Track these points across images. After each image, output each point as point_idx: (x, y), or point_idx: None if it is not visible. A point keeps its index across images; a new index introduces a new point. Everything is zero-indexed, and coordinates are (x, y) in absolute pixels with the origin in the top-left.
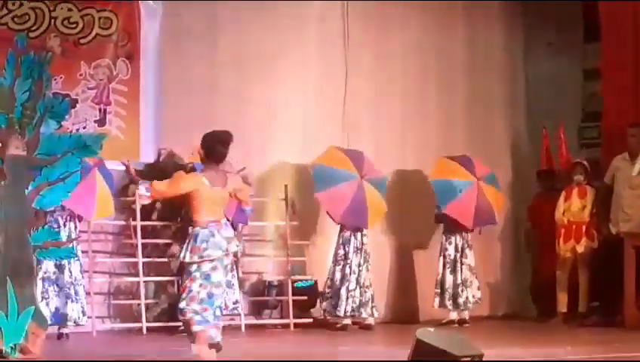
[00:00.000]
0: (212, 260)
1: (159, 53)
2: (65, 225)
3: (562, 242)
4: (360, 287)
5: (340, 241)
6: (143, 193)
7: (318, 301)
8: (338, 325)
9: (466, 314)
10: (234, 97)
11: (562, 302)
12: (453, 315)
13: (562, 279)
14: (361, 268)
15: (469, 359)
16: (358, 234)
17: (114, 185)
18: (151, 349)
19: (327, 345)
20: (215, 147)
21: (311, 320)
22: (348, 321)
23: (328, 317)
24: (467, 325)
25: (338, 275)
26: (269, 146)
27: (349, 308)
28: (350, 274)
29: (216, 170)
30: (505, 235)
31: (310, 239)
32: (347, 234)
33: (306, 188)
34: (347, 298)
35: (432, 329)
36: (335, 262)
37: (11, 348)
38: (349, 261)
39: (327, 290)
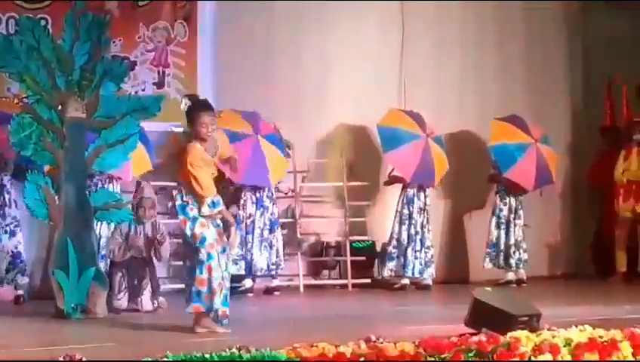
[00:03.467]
0: None
1: (216, 14)
2: (104, 187)
3: (621, 201)
4: (423, 248)
5: (404, 201)
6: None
7: (376, 261)
8: (397, 285)
9: (523, 274)
10: (290, 57)
11: (621, 262)
12: (511, 275)
13: (621, 238)
14: (424, 229)
15: (526, 318)
16: (421, 194)
17: (153, 145)
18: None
19: (386, 304)
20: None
21: (369, 280)
22: (406, 281)
23: (394, 277)
24: (525, 285)
25: (404, 235)
26: (326, 106)
27: (415, 269)
28: (415, 234)
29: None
30: (565, 195)
31: (369, 199)
32: (410, 193)
33: (363, 148)
34: (414, 258)
35: (489, 289)
36: (400, 221)
37: (73, 308)
38: (413, 221)
39: (393, 250)
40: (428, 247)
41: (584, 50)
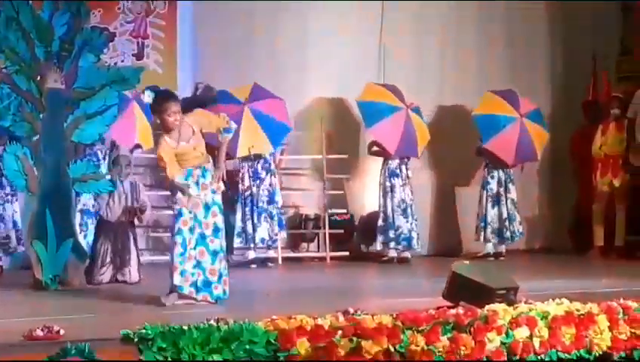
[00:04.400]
0: None
1: None
2: (104, 159)
3: (599, 176)
4: (410, 219)
5: (386, 174)
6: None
7: (355, 234)
8: (385, 258)
9: (502, 248)
10: (271, 30)
11: (598, 236)
12: (490, 248)
13: (598, 212)
14: (409, 201)
15: (504, 291)
16: (403, 166)
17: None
18: None
19: (365, 277)
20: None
21: (347, 253)
22: (394, 254)
23: (383, 249)
24: (503, 258)
25: (390, 207)
26: (305, 79)
27: (404, 241)
28: (400, 206)
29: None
30: (543, 169)
31: (347, 172)
32: (393, 165)
33: (342, 121)
34: (401, 230)
35: (467, 262)
36: (385, 194)
37: (51, 279)
38: (397, 193)
39: (382, 223)
40: (415, 220)
41: (565, 25)
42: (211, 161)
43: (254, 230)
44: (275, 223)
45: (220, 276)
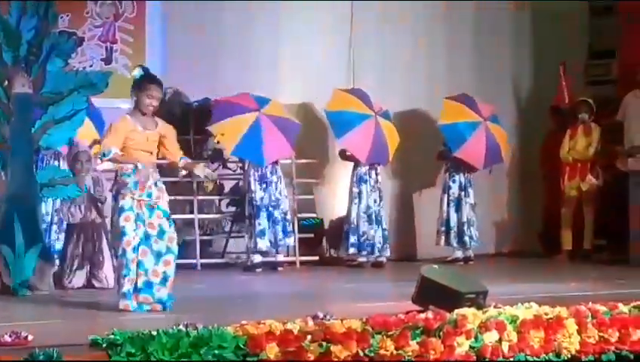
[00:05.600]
0: None
1: None
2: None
3: (567, 180)
4: (379, 226)
5: (354, 179)
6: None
7: (324, 239)
8: (354, 263)
9: (470, 252)
10: (241, 34)
11: (567, 240)
12: (459, 253)
13: (567, 216)
14: (378, 207)
15: (473, 295)
16: (373, 172)
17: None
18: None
19: (333, 281)
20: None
21: (317, 258)
22: (364, 259)
23: (350, 255)
24: (472, 262)
25: (357, 213)
26: (275, 83)
27: (368, 246)
28: (368, 212)
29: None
30: (512, 173)
31: (316, 177)
32: (362, 171)
33: (311, 125)
34: (365, 236)
35: (436, 267)
36: (351, 200)
37: (19, 284)
38: (366, 199)
39: (347, 228)
40: (383, 225)
41: (533, 30)
42: (158, 172)
43: (262, 234)
44: (280, 229)
45: (165, 278)
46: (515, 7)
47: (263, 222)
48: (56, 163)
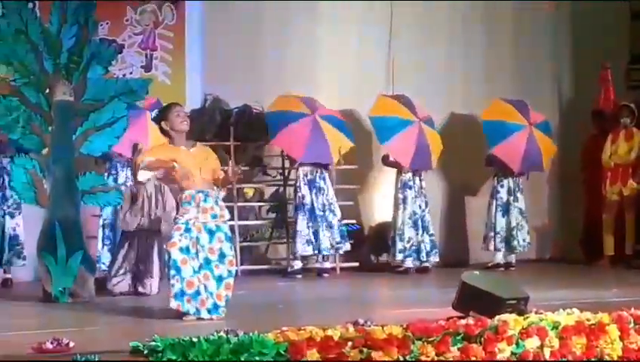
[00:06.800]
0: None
1: None
2: (123, 171)
3: (609, 185)
4: (425, 231)
5: (399, 186)
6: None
7: (365, 245)
8: (400, 268)
9: (512, 258)
10: (278, 41)
11: (609, 245)
12: (500, 258)
13: (609, 222)
14: (423, 212)
15: (514, 301)
16: (417, 177)
17: None
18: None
19: (374, 288)
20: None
21: (357, 264)
22: (410, 265)
23: (394, 261)
24: (513, 268)
25: (400, 220)
26: (313, 90)
27: (420, 253)
28: (414, 218)
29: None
30: (552, 179)
31: (358, 183)
32: (406, 178)
33: (353, 131)
34: (411, 242)
35: (477, 272)
36: (396, 207)
37: (61, 292)
38: (411, 205)
39: (393, 234)
40: (429, 231)
41: (573, 34)
42: (215, 189)
43: (317, 239)
44: (337, 233)
45: (227, 301)
46: (554, 7)
47: (304, 226)
48: (129, 170)
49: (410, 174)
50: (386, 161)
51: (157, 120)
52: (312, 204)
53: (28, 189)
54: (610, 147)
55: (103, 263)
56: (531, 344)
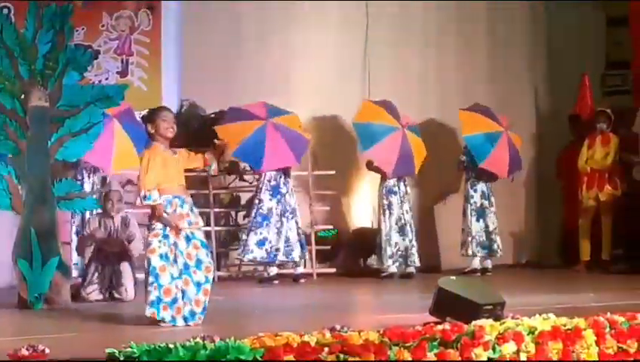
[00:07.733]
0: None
1: (181, 2)
2: (89, 177)
3: (585, 190)
4: (407, 237)
5: (383, 191)
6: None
7: (341, 250)
8: (384, 274)
9: (489, 263)
10: (255, 46)
11: (585, 250)
12: (476, 263)
13: (585, 227)
14: (407, 218)
15: (490, 307)
16: (401, 183)
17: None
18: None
19: (352, 294)
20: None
21: (334, 270)
22: (394, 270)
23: (379, 266)
24: (489, 273)
25: (387, 225)
26: (290, 94)
27: (400, 257)
28: (398, 224)
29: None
30: (529, 184)
31: (334, 188)
32: (390, 184)
33: (329, 136)
34: (398, 247)
35: (454, 278)
36: (382, 212)
37: (36, 298)
38: (395, 211)
39: (379, 240)
40: (412, 236)
41: (548, 38)
42: (189, 194)
43: (261, 244)
44: (294, 241)
45: (205, 308)
46: (530, 18)
47: (264, 232)
48: (96, 177)
49: (394, 180)
50: (370, 166)
51: (144, 120)
52: (271, 210)
53: (3, 196)
54: (586, 152)
55: (76, 269)
56: (508, 349)
